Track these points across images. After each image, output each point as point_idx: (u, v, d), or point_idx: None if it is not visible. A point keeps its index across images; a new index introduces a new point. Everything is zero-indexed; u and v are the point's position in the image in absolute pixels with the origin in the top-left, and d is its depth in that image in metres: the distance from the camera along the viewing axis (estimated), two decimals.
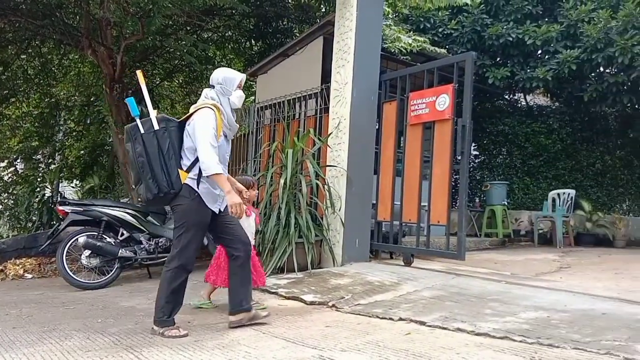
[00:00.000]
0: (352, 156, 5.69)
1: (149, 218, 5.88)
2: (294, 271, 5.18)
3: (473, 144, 10.50)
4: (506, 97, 11.15)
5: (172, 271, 3.32)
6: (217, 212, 3.43)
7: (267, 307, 3.93)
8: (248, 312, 3.46)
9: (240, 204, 3.29)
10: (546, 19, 9.12)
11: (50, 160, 12.09)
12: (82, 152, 11.79)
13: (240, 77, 3.54)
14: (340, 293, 4.36)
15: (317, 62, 7.03)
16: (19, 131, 11.80)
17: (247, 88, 10.26)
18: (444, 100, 5.38)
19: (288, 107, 7.15)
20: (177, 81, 11.97)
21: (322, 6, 9.47)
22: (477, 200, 10.22)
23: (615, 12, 7.94)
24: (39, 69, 10.44)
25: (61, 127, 12.36)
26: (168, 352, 2.94)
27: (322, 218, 5.81)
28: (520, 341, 2.90)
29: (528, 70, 8.81)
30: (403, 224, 5.97)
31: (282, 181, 5.49)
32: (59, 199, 9.19)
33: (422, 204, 5.68)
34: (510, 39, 8.72)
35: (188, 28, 9.46)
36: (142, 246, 5.65)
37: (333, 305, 4.04)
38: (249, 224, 4.03)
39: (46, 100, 11.35)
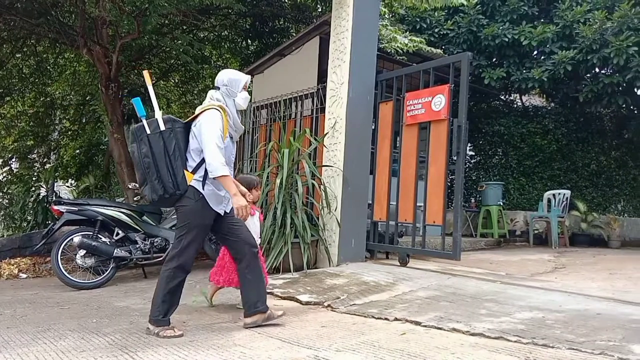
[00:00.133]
0: (348, 156, 5.69)
1: (145, 218, 5.87)
2: (290, 271, 5.18)
3: (469, 145, 10.51)
4: (502, 97, 11.19)
5: (170, 271, 3.32)
6: (223, 214, 3.42)
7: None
8: (263, 313, 3.45)
9: (246, 206, 3.29)
10: (542, 20, 9.14)
11: (45, 160, 12.07)
12: (77, 151, 11.77)
13: (245, 78, 3.55)
14: (335, 293, 4.36)
15: (314, 62, 7.03)
16: (14, 130, 11.76)
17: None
18: (439, 101, 5.39)
19: (284, 107, 7.15)
20: (173, 80, 11.95)
21: (318, 6, 9.47)
22: (472, 200, 10.24)
23: (610, 13, 7.97)
24: (34, 67, 10.41)
25: (56, 126, 12.34)
26: (163, 352, 2.93)
27: (318, 218, 5.81)
28: (515, 341, 2.91)
29: (524, 71, 8.84)
30: (399, 224, 5.98)
31: (278, 181, 5.49)
32: (54, 198, 9.18)
33: (418, 204, 5.69)
34: (506, 39, 8.74)
35: (184, 27, 9.44)
36: (137, 246, 5.63)
37: (329, 306, 4.04)
38: (253, 223, 4.02)
39: (41, 99, 11.32)
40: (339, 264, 5.52)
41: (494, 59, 9.36)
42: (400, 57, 7.41)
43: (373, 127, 6.15)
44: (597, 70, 8.74)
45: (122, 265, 5.68)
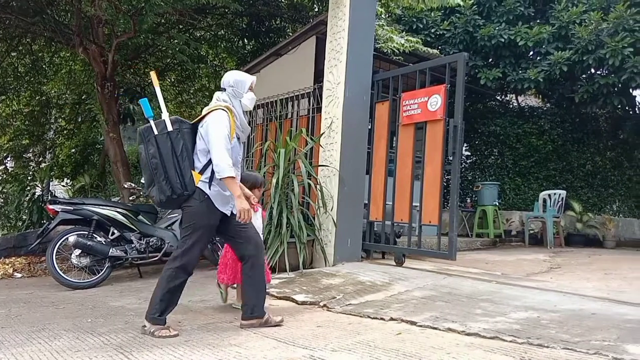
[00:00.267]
0: (344, 156, 5.69)
1: (140, 217, 5.85)
2: (286, 271, 5.18)
3: (465, 145, 10.54)
4: (498, 98, 11.21)
5: (172, 270, 3.31)
6: (229, 215, 3.41)
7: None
8: (260, 318, 3.45)
9: (248, 210, 3.29)
10: (538, 21, 9.17)
11: (40, 159, 12.00)
12: (73, 150, 11.72)
13: (251, 79, 3.55)
14: (331, 293, 4.36)
15: (310, 61, 7.03)
16: (9, 129, 11.70)
17: None
18: (436, 101, 5.39)
19: (280, 107, 7.15)
20: (169, 80, 11.92)
21: (315, 6, 9.48)
22: (468, 200, 10.26)
23: (606, 14, 7.99)
24: (29, 66, 10.36)
25: (52, 126, 12.29)
26: (158, 352, 2.92)
27: (314, 218, 5.81)
28: (511, 341, 2.91)
29: (520, 72, 8.86)
30: (396, 224, 5.98)
31: (274, 181, 5.48)
32: (49, 197, 9.14)
33: (414, 204, 5.70)
34: (502, 40, 8.76)
35: (180, 26, 9.43)
36: (132, 245, 5.61)
37: (324, 305, 4.04)
38: (256, 219, 4.01)
39: (37, 98, 11.27)
40: (335, 263, 5.52)
41: (490, 60, 9.38)
42: (397, 57, 7.42)
43: (369, 127, 6.16)
44: (592, 71, 8.77)
45: (117, 265, 5.65)
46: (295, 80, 7.03)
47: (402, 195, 5.75)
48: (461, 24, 9.04)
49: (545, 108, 11.01)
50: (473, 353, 2.76)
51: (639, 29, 7.66)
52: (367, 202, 6.12)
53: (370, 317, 3.64)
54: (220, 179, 3.25)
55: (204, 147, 3.33)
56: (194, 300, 4.34)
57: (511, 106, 11.26)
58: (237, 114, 3.45)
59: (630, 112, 10.23)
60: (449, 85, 5.35)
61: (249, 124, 7.89)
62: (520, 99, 11.61)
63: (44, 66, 10.61)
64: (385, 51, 7.24)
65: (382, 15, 8.23)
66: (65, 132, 12.13)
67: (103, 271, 5.44)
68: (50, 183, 12.15)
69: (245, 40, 10.68)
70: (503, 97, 11.30)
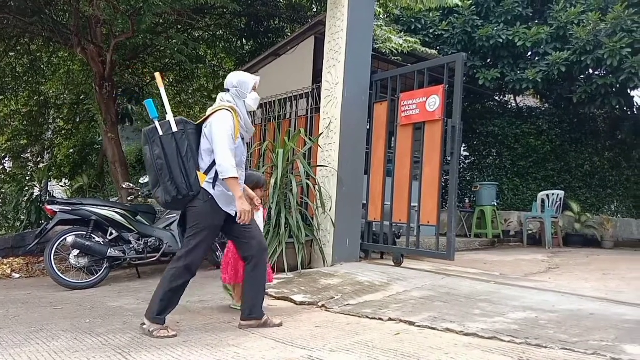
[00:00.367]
0: (342, 156, 5.69)
1: (138, 218, 5.85)
2: (284, 271, 5.17)
3: (463, 145, 10.55)
4: (496, 98, 11.22)
5: (176, 270, 3.31)
6: (234, 215, 3.40)
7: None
8: (259, 319, 3.45)
9: (249, 211, 3.29)
10: (536, 21, 9.19)
11: (39, 159, 12.00)
12: (71, 150, 11.72)
13: (254, 80, 3.57)
14: (330, 293, 4.36)
15: (309, 62, 7.03)
16: (7, 129, 11.69)
17: None
18: (434, 101, 5.40)
19: (279, 107, 7.14)
20: (167, 80, 11.91)
21: (313, 6, 9.48)
22: (467, 200, 10.27)
23: (604, 15, 8.01)
24: (27, 66, 10.35)
25: (50, 126, 12.27)
26: (156, 352, 2.92)
27: (312, 218, 5.81)
28: (509, 341, 2.91)
29: (518, 72, 8.87)
30: (394, 224, 5.98)
31: (272, 181, 5.48)
32: (47, 198, 9.12)
33: (413, 204, 5.70)
34: (501, 40, 8.78)
35: (179, 27, 9.42)
36: (131, 246, 5.60)
37: (323, 306, 4.04)
38: (257, 217, 4.01)
39: (35, 98, 11.26)
40: (334, 264, 5.52)
41: (489, 60, 9.40)
42: (395, 58, 7.43)
43: (368, 128, 6.16)
44: (590, 71, 8.79)
45: (115, 265, 5.64)
46: (293, 80, 7.03)
47: (400, 196, 5.75)
48: (459, 25, 9.05)
49: (543, 108, 11.03)
50: (471, 353, 2.76)
51: (637, 29, 7.68)
52: (365, 202, 6.12)
53: (369, 318, 3.64)
54: (222, 179, 3.25)
55: (208, 147, 3.34)
56: (193, 301, 4.33)
57: (509, 106, 11.28)
58: (241, 114, 3.46)
59: (629, 113, 10.25)
60: (447, 86, 5.36)
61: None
62: (518, 99, 11.63)
63: (42, 66, 10.60)
64: (383, 51, 7.25)
65: (381, 16, 8.25)
66: (63, 132, 12.11)
67: (101, 272, 5.43)
68: (49, 183, 12.14)
69: (244, 41, 10.67)
70: (501, 97, 11.32)
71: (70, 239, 5.29)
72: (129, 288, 5.33)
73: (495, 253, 7.79)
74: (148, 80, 11.18)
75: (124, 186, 6.59)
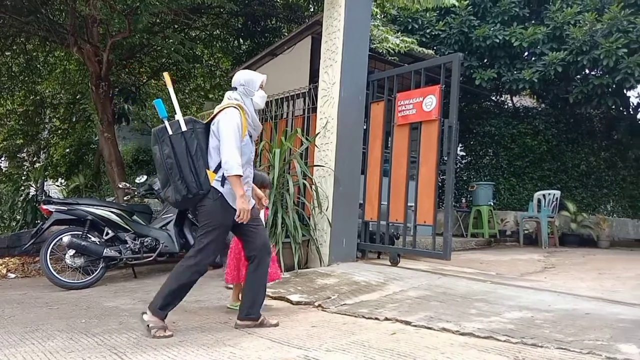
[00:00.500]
0: (339, 156, 5.69)
1: (135, 217, 5.84)
2: (281, 271, 5.16)
3: (459, 145, 10.57)
4: (493, 98, 11.24)
5: (185, 267, 3.31)
6: None
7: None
8: (255, 320, 3.45)
9: (248, 211, 3.29)
10: (533, 21, 9.19)
11: (35, 159, 11.96)
12: (67, 150, 11.69)
13: (261, 78, 3.60)
14: (326, 293, 4.36)
15: (305, 61, 7.03)
16: (3, 129, 11.66)
17: None
18: (431, 101, 5.40)
19: (276, 107, 7.14)
20: (164, 80, 11.88)
21: (310, 6, 9.48)
22: (463, 200, 10.29)
23: (600, 15, 8.03)
24: (23, 66, 10.33)
25: (46, 125, 12.24)
26: (152, 352, 2.92)
27: (309, 218, 5.81)
28: (505, 341, 2.92)
29: (514, 72, 8.88)
30: (392, 224, 5.99)
31: None
32: (43, 197, 9.10)
33: (409, 204, 5.71)
34: (497, 40, 8.79)
35: (175, 26, 9.41)
36: (127, 246, 5.59)
37: (319, 305, 4.04)
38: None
39: (31, 97, 11.23)
40: (330, 263, 5.52)
41: (485, 60, 9.40)
42: (392, 58, 7.43)
43: (364, 127, 6.16)
44: (587, 71, 8.80)
45: (111, 265, 5.63)
46: (290, 80, 7.03)
47: (397, 196, 5.75)
48: (456, 25, 9.05)
49: (539, 108, 11.05)
50: (467, 353, 2.76)
51: (633, 30, 7.70)
52: (362, 202, 6.12)
53: (365, 317, 3.64)
54: (226, 176, 3.25)
55: (216, 144, 3.34)
56: (189, 301, 4.32)
57: (506, 106, 11.30)
58: (249, 112, 3.48)
59: (624, 113, 10.29)
60: (444, 86, 5.37)
61: None
62: (515, 99, 11.65)
63: (38, 66, 10.56)
64: (380, 51, 7.26)
65: (378, 16, 8.25)
66: (59, 131, 12.08)
67: (97, 271, 5.42)
68: (45, 183, 12.11)
69: (241, 40, 10.67)
70: (498, 97, 11.34)
71: (66, 238, 5.27)
72: (125, 288, 5.32)
73: (491, 253, 7.81)
74: (145, 80, 11.17)
75: (120, 186, 6.58)
